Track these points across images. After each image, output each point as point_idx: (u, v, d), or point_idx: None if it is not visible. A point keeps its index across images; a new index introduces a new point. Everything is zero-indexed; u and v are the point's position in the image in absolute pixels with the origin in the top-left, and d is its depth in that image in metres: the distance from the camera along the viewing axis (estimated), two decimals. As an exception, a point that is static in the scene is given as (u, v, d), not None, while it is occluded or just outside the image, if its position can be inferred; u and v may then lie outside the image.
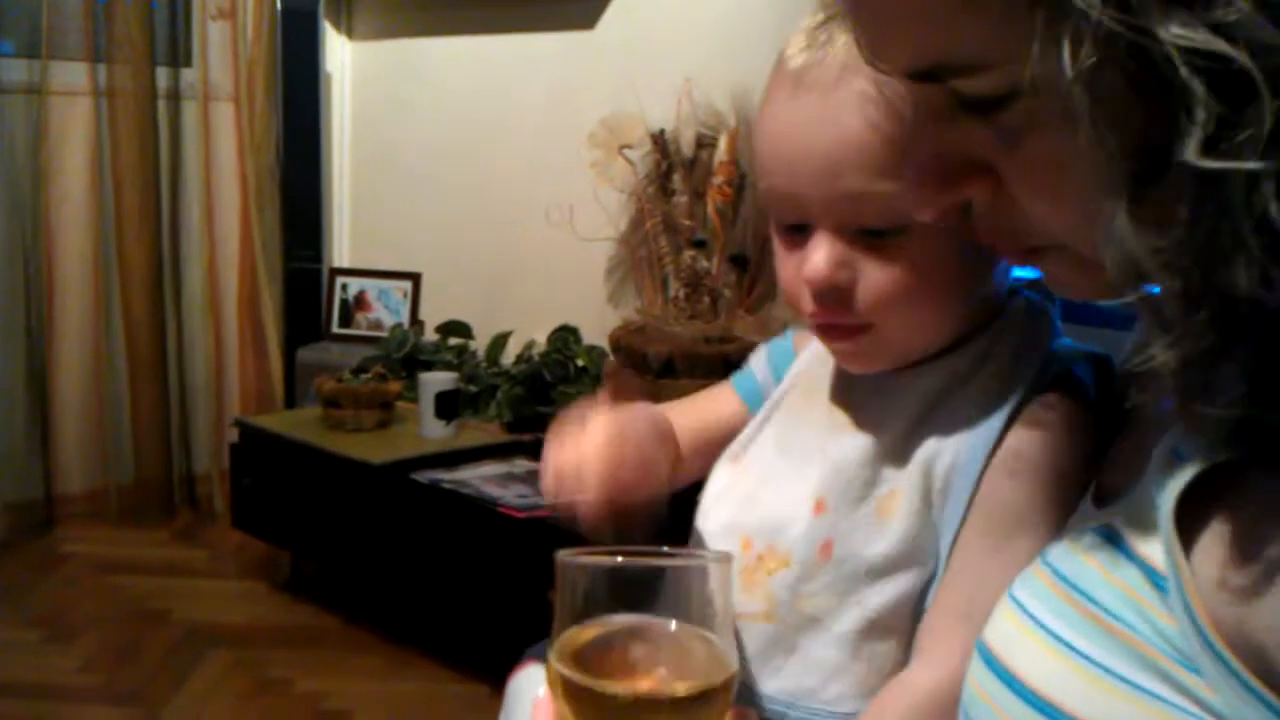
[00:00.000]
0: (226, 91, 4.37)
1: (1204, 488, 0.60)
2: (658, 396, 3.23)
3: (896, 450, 0.88)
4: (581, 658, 0.70)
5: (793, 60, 0.86)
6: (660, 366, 3.04)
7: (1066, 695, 0.63)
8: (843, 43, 0.82)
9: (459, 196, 4.21)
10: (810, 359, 0.99)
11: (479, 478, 3.17)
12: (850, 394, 0.93)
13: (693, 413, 1.09)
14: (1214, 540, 0.59)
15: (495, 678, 1.07)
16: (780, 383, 1.01)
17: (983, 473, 0.85)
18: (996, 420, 0.85)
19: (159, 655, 3.23)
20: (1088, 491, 0.80)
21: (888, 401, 0.90)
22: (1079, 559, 0.68)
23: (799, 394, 0.98)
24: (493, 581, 2.98)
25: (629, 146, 3.29)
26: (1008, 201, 0.64)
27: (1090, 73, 0.53)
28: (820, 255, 0.85)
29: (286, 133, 4.41)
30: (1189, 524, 0.60)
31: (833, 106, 0.83)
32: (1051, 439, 0.84)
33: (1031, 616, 0.68)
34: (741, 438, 1.01)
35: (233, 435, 3.84)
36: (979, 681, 0.70)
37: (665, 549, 0.76)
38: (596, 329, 3.57)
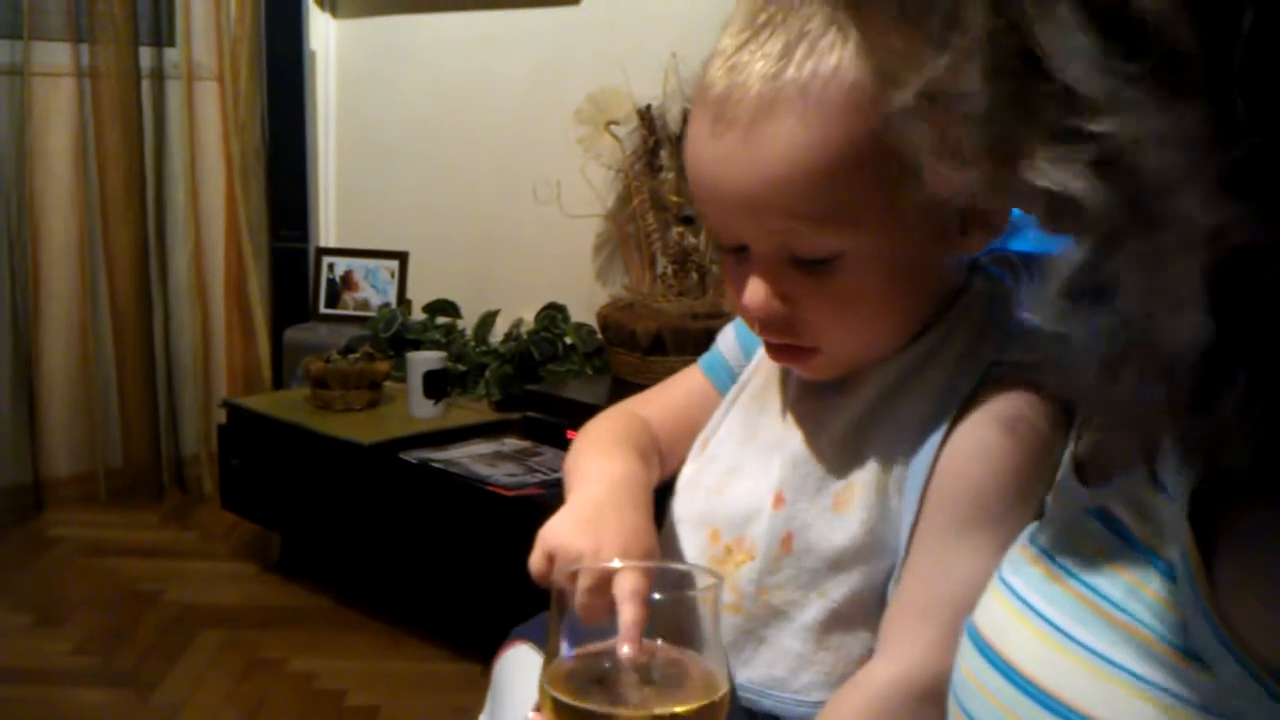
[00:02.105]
0: (210, 71, 4.35)
1: (1216, 477, 0.59)
2: (647, 374, 3.22)
3: (851, 444, 0.88)
4: (573, 678, 0.71)
5: (713, 87, 0.82)
6: (649, 343, 3.04)
7: (1062, 683, 0.63)
8: (760, 69, 0.79)
9: (445, 175, 4.20)
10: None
11: (468, 457, 3.17)
12: (807, 386, 0.93)
13: (666, 406, 1.09)
14: (1226, 531, 0.58)
15: (486, 656, 1.07)
16: (750, 361, 1.01)
17: (934, 465, 0.84)
18: (949, 410, 0.84)
19: (150, 637, 3.23)
20: (1063, 468, 0.79)
21: (842, 397, 0.90)
22: (1074, 544, 0.67)
23: (761, 381, 0.97)
24: (482, 560, 2.98)
25: (616, 122, 3.27)
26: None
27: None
28: (757, 287, 0.84)
29: (271, 112, 4.38)
30: (1200, 514, 0.59)
31: (752, 144, 0.80)
32: (1010, 428, 0.83)
33: (1024, 601, 0.68)
34: (709, 424, 1.01)
35: (221, 416, 3.83)
36: (970, 666, 0.70)
37: (656, 565, 0.76)
38: (584, 307, 3.56)
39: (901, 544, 0.85)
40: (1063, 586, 0.65)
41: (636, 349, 3.07)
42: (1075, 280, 0.54)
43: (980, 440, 0.83)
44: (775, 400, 0.94)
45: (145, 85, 4.20)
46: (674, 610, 0.73)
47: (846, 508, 0.86)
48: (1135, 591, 0.61)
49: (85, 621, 3.32)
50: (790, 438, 0.90)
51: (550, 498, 2.88)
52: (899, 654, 0.81)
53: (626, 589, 0.75)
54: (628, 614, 0.74)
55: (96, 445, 4.24)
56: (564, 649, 0.72)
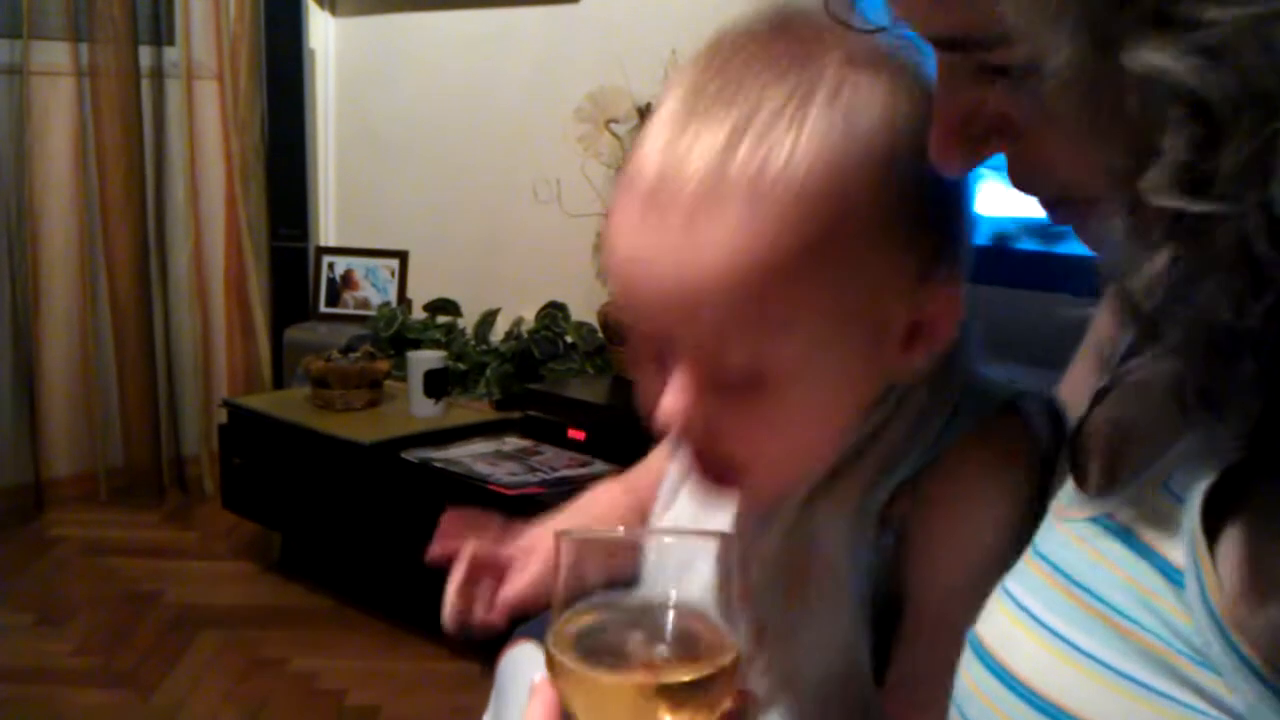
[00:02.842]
0: (210, 70, 4.34)
1: (1225, 483, 0.58)
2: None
3: (797, 536, 0.80)
4: (580, 642, 0.68)
5: (646, 172, 0.71)
6: (649, 342, 3.03)
7: (1070, 695, 0.61)
8: (702, 155, 0.68)
9: (445, 173, 4.19)
10: None
11: (469, 456, 3.16)
12: None
13: (652, 483, 1.04)
14: (1236, 538, 0.57)
15: (487, 656, 1.07)
16: None
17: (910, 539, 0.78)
18: (880, 496, 0.77)
19: (151, 637, 3.23)
20: (1062, 485, 0.76)
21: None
22: (1079, 552, 0.65)
23: None
24: (484, 559, 2.98)
25: (616, 121, 3.27)
26: (1030, 156, 0.62)
27: (1073, 85, 0.52)
28: (674, 401, 0.72)
29: (271, 111, 4.38)
30: (1210, 520, 0.58)
31: (691, 238, 0.68)
32: (964, 513, 0.76)
33: (1028, 612, 0.66)
34: (667, 484, 0.95)
35: (221, 416, 3.82)
36: (974, 679, 0.68)
37: (667, 527, 0.74)
38: (585, 305, 3.55)
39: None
40: (1068, 596, 0.64)
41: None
42: (1181, 175, 0.50)
43: (935, 532, 0.77)
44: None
45: (145, 84, 4.20)
46: (684, 569, 0.69)
47: (808, 604, 0.80)
48: (1145, 601, 0.60)
49: (86, 621, 3.32)
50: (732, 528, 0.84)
51: (551, 496, 2.88)
52: None
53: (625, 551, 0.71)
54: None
55: (97, 445, 4.24)
56: (565, 609, 0.69)
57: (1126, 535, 0.63)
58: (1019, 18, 0.53)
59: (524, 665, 1.13)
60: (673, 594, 0.68)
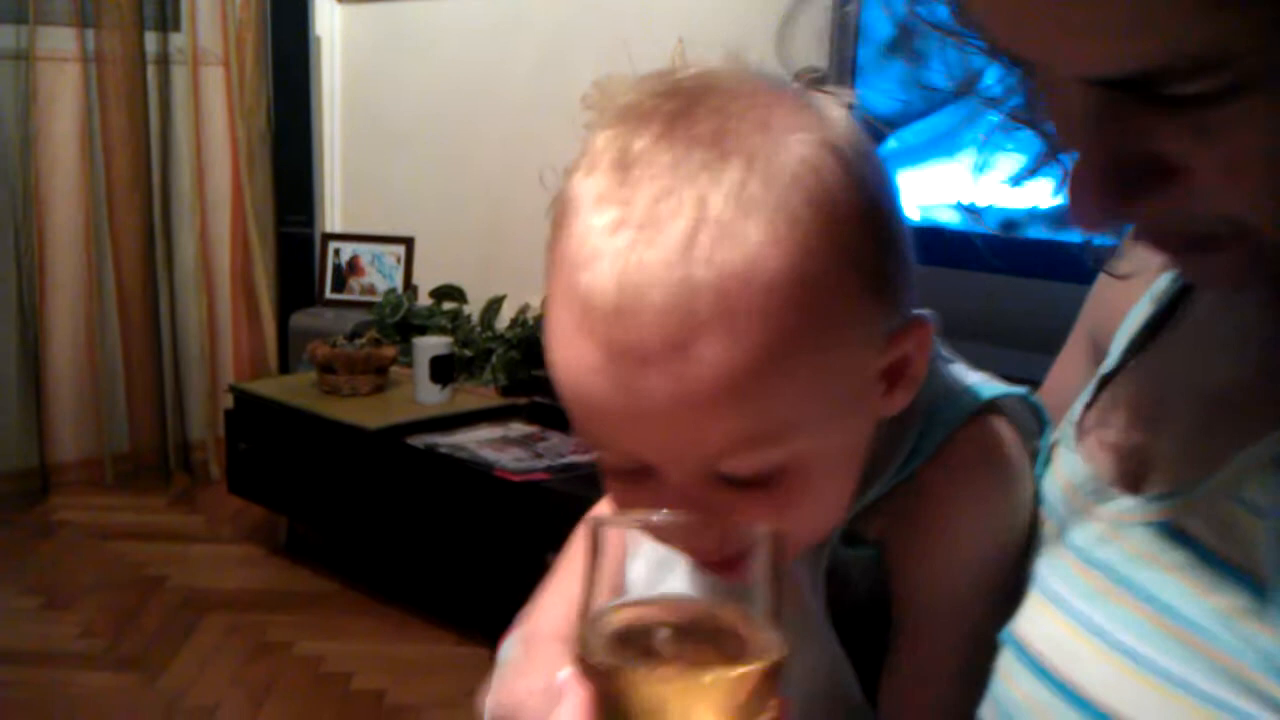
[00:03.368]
0: (216, 56, 4.34)
1: None
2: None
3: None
4: (615, 639, 0.63)
5: (595, 292, 0.62)
6: (655, 328, 3.03)
7: (1138, 710, 0.59)
8: (658, 270, 0.61)
9: (451, 159, 4.19)
10: None
11: (474, 441, 3.17)
12: None
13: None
14: None
15: (493, 639, 1.07)
16: None
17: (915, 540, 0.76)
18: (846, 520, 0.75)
19: (157, 620, 3.24)
20: (1067, 474, 0.74)
21: None
22: (1143, 563, 0.63)
23: None
24: (490, 544, 2.99)
25: (622, 108, 3.26)
26: (1187, 196, 0.55)
27: None
28: (680, 523, 0.65)
29: (276, 97, 4.38)
30: None
31: (669, 374, 0.62)
32: (948, 517, 0.74)
33: (1085, 621, 0.64)
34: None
35: (227, 401, 3.83)
36: (1023, 689, 0.66)
37: (703, 518, 0.68)
38: (590, 292, 3.55)
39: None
40: (1131, 606, 0.62)
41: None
42: None
43: (924, 544, 0.75)
44: None
45: (151, 71, 4.20)
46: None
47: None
48: (1222, 615, 0.57)
49: (92, 605, 3.33)
50: None
51: (557, 482, 2.88)
52: None
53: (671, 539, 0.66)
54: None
55: (103, 430, 4.25)
56: (597, 603, 0.64)
57: (1196, 544, 0.61)
58: (1253, 34, 0.48)
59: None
60: (713, 590, 0.65)
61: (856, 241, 0.66)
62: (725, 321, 0.61)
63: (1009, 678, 0.68)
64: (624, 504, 0.70)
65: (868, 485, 0.74)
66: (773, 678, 0.63)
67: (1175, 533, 0.62)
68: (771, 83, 0.69)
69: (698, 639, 0.64)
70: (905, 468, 0.75)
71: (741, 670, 0.62)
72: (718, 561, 0.65)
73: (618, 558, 0.65)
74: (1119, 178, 0.56)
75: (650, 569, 0.69)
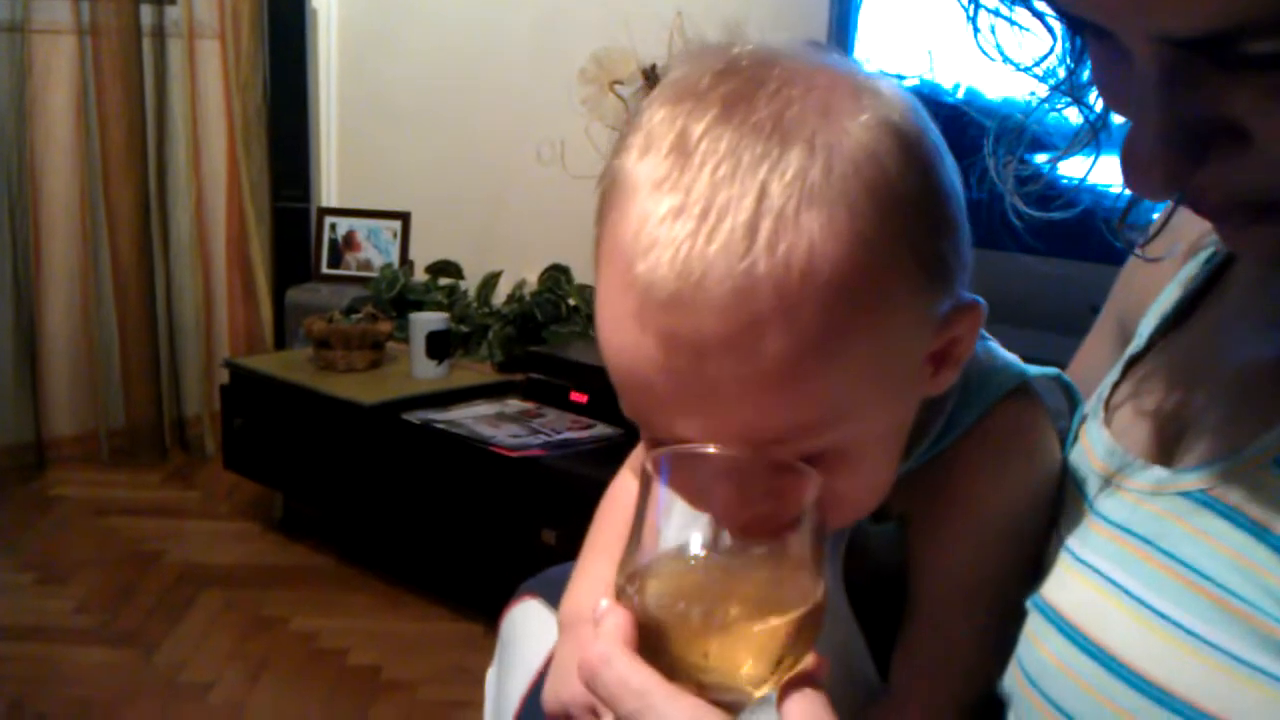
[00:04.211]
0: (212, 28, 4.32)
1: None
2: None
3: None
4: (652, 583, 0.64)
5: (655, 280, 0.62)
6: (652, 305, 3.02)
7: (1170, 673, 0.59)
8: (719, 262, 0.61)
9: (448, 134, 4.17)
10: None
11: (471, 417, 3.16)
12: None
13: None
14: None
15: (488, 616, 1.07)
16: None
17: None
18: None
19: (153, 596, 3.24)
20: (1107, 446, 0.74)
21: None
22: (1175, 528, 0.63)
23: None
24: (485, 521, 2.99)
25: (620, 82, 3.25)
26: (1252, 160, 0.55)
27: None
28: (726, 498, 0.65)
29: (273, 70, 4.35)
30: None
31: (730, 364, 0.62)
32: (977, 494, 0.75)
33: (1115, 584, 0.64)
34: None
35: (223, 377, 3.82)
36: (1053, 651, 0.66)
37: (750, 454, 0.68)
38: (588, 268, 3.51)
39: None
40: (1168, 573, 0.62)
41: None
42: None
43: (959, 506, 0.76)
44: None
45: (146, 43, 4.18)
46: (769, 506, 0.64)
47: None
48: (1260, 581, 0.57)
49: (87, 581, 3.32)
50: None
51: (552, 459, 2.88)
52: (920, 714, 0.76)
53: (718, 473, 0.65)
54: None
55: (98, 405, 4.24)
56: (646, 545, 0.64)
57: (1233, 513, 0.60)
58: None
59: (530, 621, 1.12)
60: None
61: (915, 228, 0.66)
62: (784, 314, 0.61)
63: (1037, 641, 0.68)
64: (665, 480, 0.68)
65: (902, 460, 0.74)
66: (810, 626, 0.63)
67: (1209, 500, 0.62)
68: (829, 61, 0.69)
69: (737, 585, 0.64)
70: (938, 444, 0.75)
71: (780, 615, 0.62)
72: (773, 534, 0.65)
73: (659, 507, 0.64)
74: (1184, 141, 0.55)
75: (689, 519, 0.69)
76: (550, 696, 0.83)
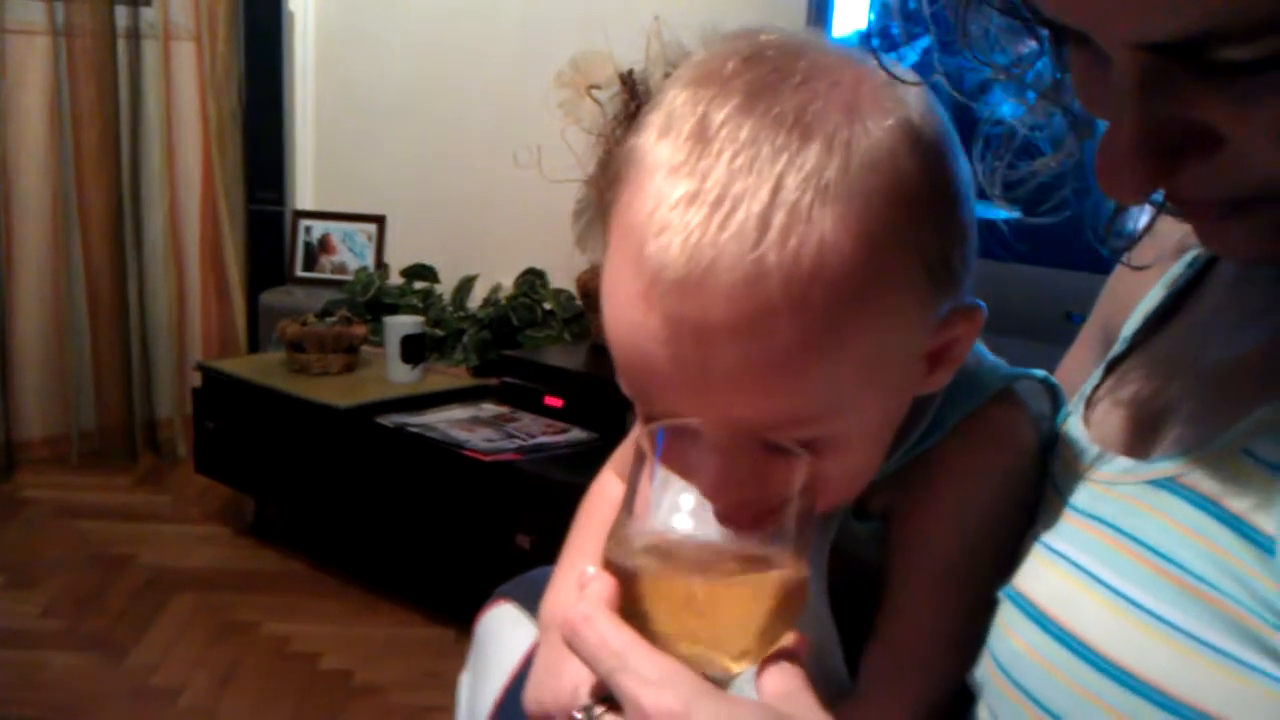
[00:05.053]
0: (187, 30, 4.30)
1: None
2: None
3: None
4: (640, 548, 0.65)
5: (665, 263, 0.63)
6: (628, 310, 3.02)
7: (1143, 660, 0.59)
8: (728, 249, 0.62)
9: (425, 138, 4.16)
10: None
11: (445, 421, 3.15)
12: None
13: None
14: None
15: (462, 621, 1.06)
16: None
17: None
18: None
19: (123, 600, 3.22)
20: (1077, 451, 0.75)
21: None
22: (1145, 516, 0.64)
23: None
24: (459, 525, 2.98)
25: (597, 87, 3.24)
26: (1226, 162, 0.56)
27: None
28: (721, 475, 0.66)
29: (248, 72, 4.34)
30: None
31: (731, 348, 0.63)
32: (958, 491, 0.76)
33: (1087, 572, 0.65)
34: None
35: (195, 380, 3.80)
36: (1024, 639, 0.67)
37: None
38: (564, 272, 3.54)
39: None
40: (1136, 558, 0.62)
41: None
42: None
43: (943, 495, 0.76)
44: None
45: (121, 44, 4.16)
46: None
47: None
48: (1227, 566, 0.58)
49: (57, 584, 3.30)
50: None
51: (527, 463, 2.87)
52: (884, 708, 0.76)
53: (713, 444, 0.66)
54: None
55: (69, 407, 4.21)
56: (637, 516, 0.65)
57: (1202, 500, 0.61)
58: None
59: (504, 625, 1.12)
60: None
61: (925, 232, 0.67)
62: (791, 306, 0.62)
63: (1008, 630, 0.68)
64: (660, 455, 0.69)
65: (886, 457, 0.75)
66: (793, 603, 0.64)
67: (1178, 487, 0.63)
68: (856, 56, 0.69)
69: (723, 559, 0.65)
70: (922, 443, 0.76)
71: (763, 589, 0.63)
72: (751, 525, 0.66)
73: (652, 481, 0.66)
74: (1159, 145, 0.56)
75: (681, 493, 0.70)
76: (531, 700, 0.83)
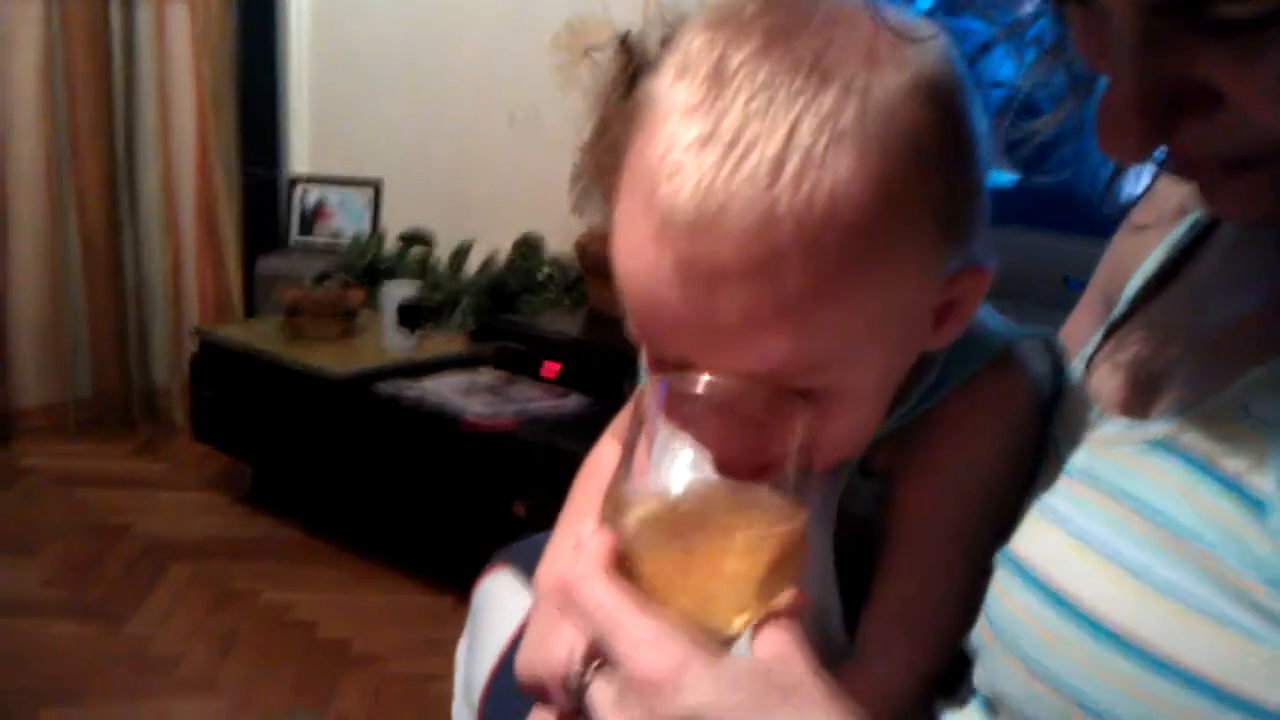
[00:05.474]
0: (181, -7, 4.26)
1: None
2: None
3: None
4: (638, 509, 0.65)
5: (677, 204, 0.63)
6: (626, 275, 3.01)
7: (1135, 620, 0.59)
8: (742, 192, 0.62)
9: (421, 101, 4.14)
10: None
11: (442, 388, 3.14)
12: None
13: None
14: None
15: (459, 588, 1.05)
16: None
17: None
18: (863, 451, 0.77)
19: (121, 568, 3.21)
20: (1078, 413, 0.75)
21: None
22: (1141, 476, 0.63)
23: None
24: (456, 492, 2.97)
25: (595, 49, 3.22)
26: (1225, 119, 0.56)
27: None
28: (719, 427, 0.66)
29: (242, 35, 4.30)
30: None
31: (742, 289, 0.63)
32: (958, 454, 0.76)
33: (1080, 532, 0.64)
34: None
35: (192, 346, 3.78)
36: (1018, 601, 0.67)
37: (741, 382, 0.69)
38: (561, 237, 3.52)
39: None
40: (1131, 519, 0.62)
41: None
42: None
43: (943, 459, 0.76)
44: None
45: (114, 7, 4.12)
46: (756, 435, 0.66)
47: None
48: (1223, 526, 0.58)
49: (55, 553, 3.29)
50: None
51: (524, 430, 2.86)
52: (881, 673, 0.75)
53: (717, 401, 0.66)
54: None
55: (66, 375, 4.19)
56: (636, 473, 0.65)
57: (1197, 460, 0.61)
58: None
59: (501, 591, 1.11)
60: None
61: (937, 184, 0.66)
62: (801, 250, 0.62)
63: (1003, 592, 0.68)
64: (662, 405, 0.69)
65: (890, 413, 0.75)
66: (791, 559, 0.64)
67: (1174, 448, 0.63)
68: (874, 6, 0.68)
69: (721, 514, 0.64)
70: (926, 400, 0.76)
71: (762, 544, 0.63)
72: (754, 472, 0.66)
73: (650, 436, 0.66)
74: (1159, 103, 0.57)
75: (679, 450, 0.70)
76: (524, 667, 0.82)
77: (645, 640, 0.61)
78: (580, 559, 0.65)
